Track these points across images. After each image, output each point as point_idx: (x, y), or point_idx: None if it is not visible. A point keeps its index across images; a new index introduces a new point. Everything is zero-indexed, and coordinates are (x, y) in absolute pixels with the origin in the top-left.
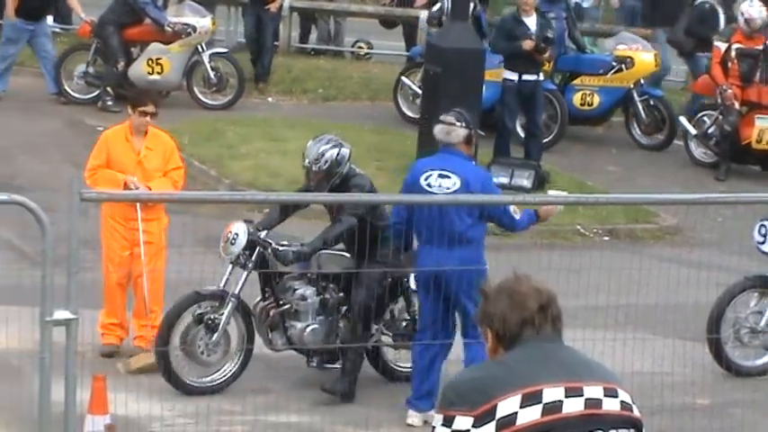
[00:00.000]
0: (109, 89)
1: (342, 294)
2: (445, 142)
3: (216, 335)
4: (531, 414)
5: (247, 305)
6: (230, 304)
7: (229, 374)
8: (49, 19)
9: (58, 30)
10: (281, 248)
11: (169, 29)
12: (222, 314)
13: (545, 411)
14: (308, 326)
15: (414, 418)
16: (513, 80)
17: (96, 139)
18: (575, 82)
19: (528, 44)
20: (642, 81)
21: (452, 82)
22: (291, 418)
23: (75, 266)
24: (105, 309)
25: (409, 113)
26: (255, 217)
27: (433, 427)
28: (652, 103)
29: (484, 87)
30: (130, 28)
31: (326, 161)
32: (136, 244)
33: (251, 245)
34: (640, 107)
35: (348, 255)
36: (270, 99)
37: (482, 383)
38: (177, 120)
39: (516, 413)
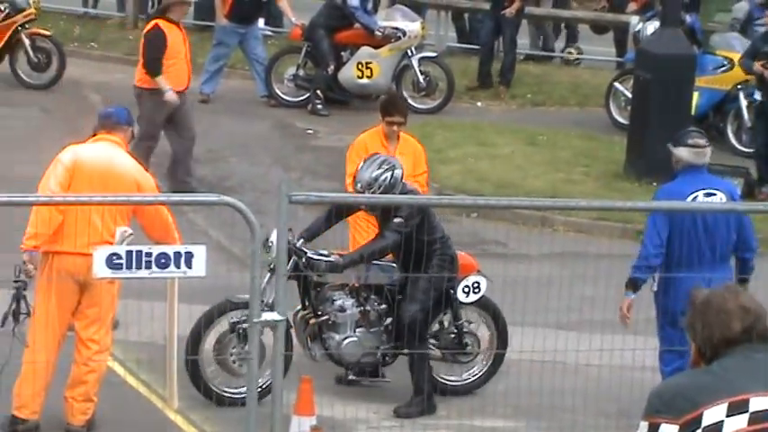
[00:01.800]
0: (318, 92)
1: (384, 306)
2: (693, 163)
3: (248, 344)
4: (738, 423)
5: None
6: (263, 313)
7: (266, 383)
8: (261, 22)
9: (268, 33)
10: (315, 258)
11: (379, 33)
12: None
13: (751, 420)
14: (345, 338)
15: None
16: (758, 99)
17: (305, 143)
18: None
19: (763, 71)
20: None
21: (663, 88)
22: (497, 422)
23: (283, 268)
24: None
25: (620, 120)
26: (461, 221)
27: None
28: None
29: (697, 94)
30: (341, 32)
31: (380, 186)
32: None
33: (288, 252)
34: None
35: (394, 265)
36: (479, 104)
37: (688, 391)
38: None
39: (722, 422)
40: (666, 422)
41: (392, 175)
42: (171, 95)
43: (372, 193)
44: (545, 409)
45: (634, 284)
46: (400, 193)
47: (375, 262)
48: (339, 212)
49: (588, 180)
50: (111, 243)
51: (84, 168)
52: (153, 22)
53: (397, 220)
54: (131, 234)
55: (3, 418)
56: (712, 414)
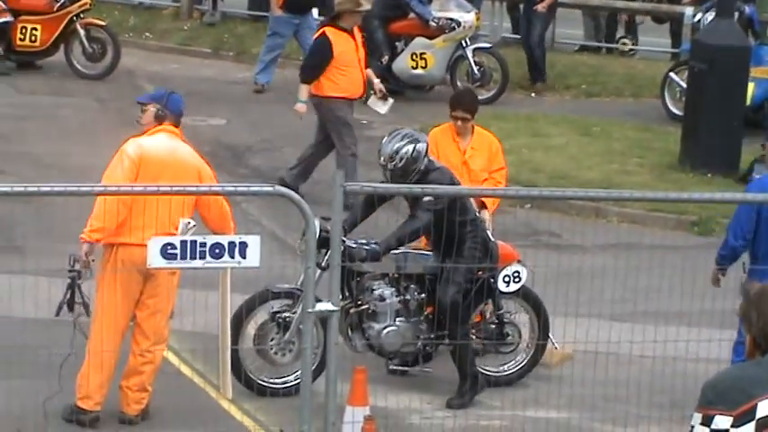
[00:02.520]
0: None
1: (424, 296)
2: None
3: (288, 334)
4: None
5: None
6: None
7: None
8: (315, 12)
9: None
10: (354, 246)
11: (433, 24)
12: (295, 313)
13: None
14: (385, 327)
15: None
16: None
17: (359, 133)
18: None
19: None
20: None
21: (718, 79)
22: (550, 413)
23: (337, 259)
24: None
25: (675, 111)
26: (516, 212)
27: (692, 427)
28: None
29: (753, 85)
30: (395, 22)
31: (402, 158)
32: None
33: (325, 242)
34: None
35: (430, 254)
36: (533, 95)
37: (742, 383)
38: (440, 114)
39: None
40: (721, 413)
41: (414, 148)
42: (300, 107)
43: (394, 165)
44: (598, 400)
45: (721, 267)
46: (425, 169)
47: (412, 251)
48: (380, 200)
49: (642, 171)
50: (176, 234)
51: (151, 161)
52: (321, 29)
53: (426, 198)
54: (194, 225)
55: (65, 408)
56: (766, 406)
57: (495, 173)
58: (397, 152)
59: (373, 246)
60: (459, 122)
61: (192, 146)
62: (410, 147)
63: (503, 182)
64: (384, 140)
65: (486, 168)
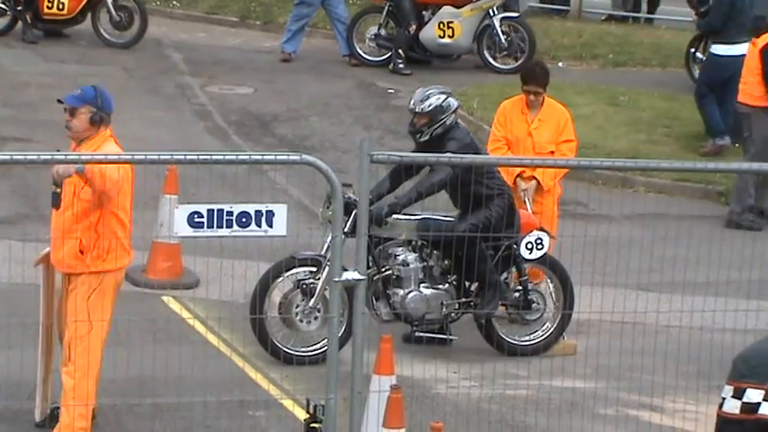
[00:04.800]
0: (400, 52)
1: (447, 262)
2: None
3: (313, 300)
4: None
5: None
6: (327, 269)
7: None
8: None
9: None
10: (373, 207)
11: None
12: (319, 279)
13: None
14: (409, 293)
15: None
16: None
17: (386, 102)
18: None
19: None
20: None
21: None
22: (576, 382)
23: (364, 227)
24: None
25: None
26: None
27: (723, 399)
28: None
29: None
30: None
31: (431, 104)
32: None
33: (347, 208)
34: None
35: (453, 219)
36: (560, 64)
37: None
38: (467, 83)
39: None
40: (752, 387)
41: (446, 99)
42: None
43: (422, 109)
44: (624, 370)
45: None
46: (449, 128)
47: (436, 217)
48: (408, 171)
49: (669, 141)
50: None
51: (129, 176)
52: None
53: (447, 154)
54: None
55: None
56: None
57: (561, 144)
58: (427, 97)
59: (393, 201)
60: (532, 96)
61: (219, 114)
62: (442, 97)
63: (569, 154)
64: (418, 90)
65: (552, 140)
